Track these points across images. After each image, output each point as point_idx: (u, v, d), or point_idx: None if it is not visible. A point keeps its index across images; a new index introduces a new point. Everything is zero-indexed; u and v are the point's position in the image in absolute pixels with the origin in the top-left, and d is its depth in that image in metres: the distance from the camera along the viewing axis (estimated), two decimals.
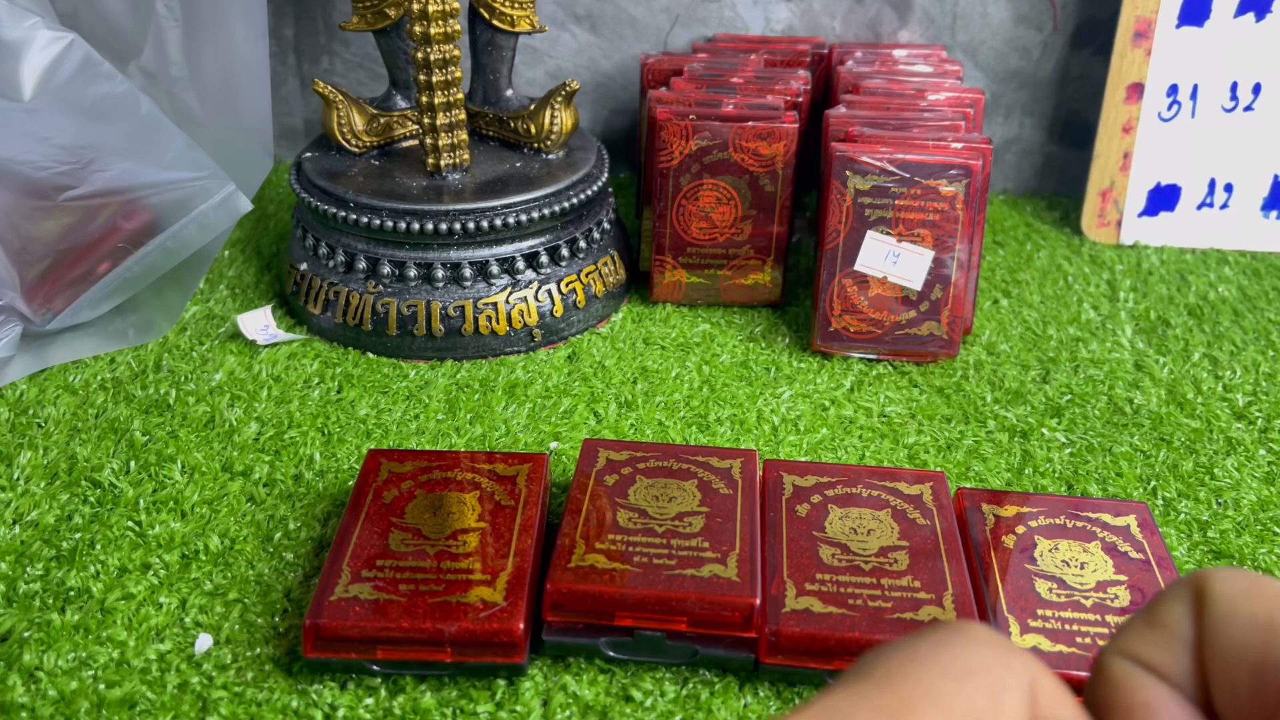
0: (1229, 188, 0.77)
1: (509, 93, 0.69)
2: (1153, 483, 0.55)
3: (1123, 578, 0.45)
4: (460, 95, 0.64)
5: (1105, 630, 0.42)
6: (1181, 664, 0.18)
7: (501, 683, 0.42)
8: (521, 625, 0.41)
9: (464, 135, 0.65)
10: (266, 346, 0.63)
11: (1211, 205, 0.78)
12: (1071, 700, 0.18)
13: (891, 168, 0.60)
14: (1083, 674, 0.40)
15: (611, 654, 0.43)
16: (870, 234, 0.61)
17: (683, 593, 0.42)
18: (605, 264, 0.67)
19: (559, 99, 0.65)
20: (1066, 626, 0.42)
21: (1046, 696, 0.18)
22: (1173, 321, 0.69)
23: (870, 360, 0.63)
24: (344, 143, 0.66)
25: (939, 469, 0.55)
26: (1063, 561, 0.45)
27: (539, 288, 0.63)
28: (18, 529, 0.49)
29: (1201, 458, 0.56)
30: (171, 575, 0.47)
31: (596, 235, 0.66)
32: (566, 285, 0.64)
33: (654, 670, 0.43)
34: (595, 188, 0.66)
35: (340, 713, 0.41)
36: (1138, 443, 0.57)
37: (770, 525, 0.46)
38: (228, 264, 0.72)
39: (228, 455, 0.54)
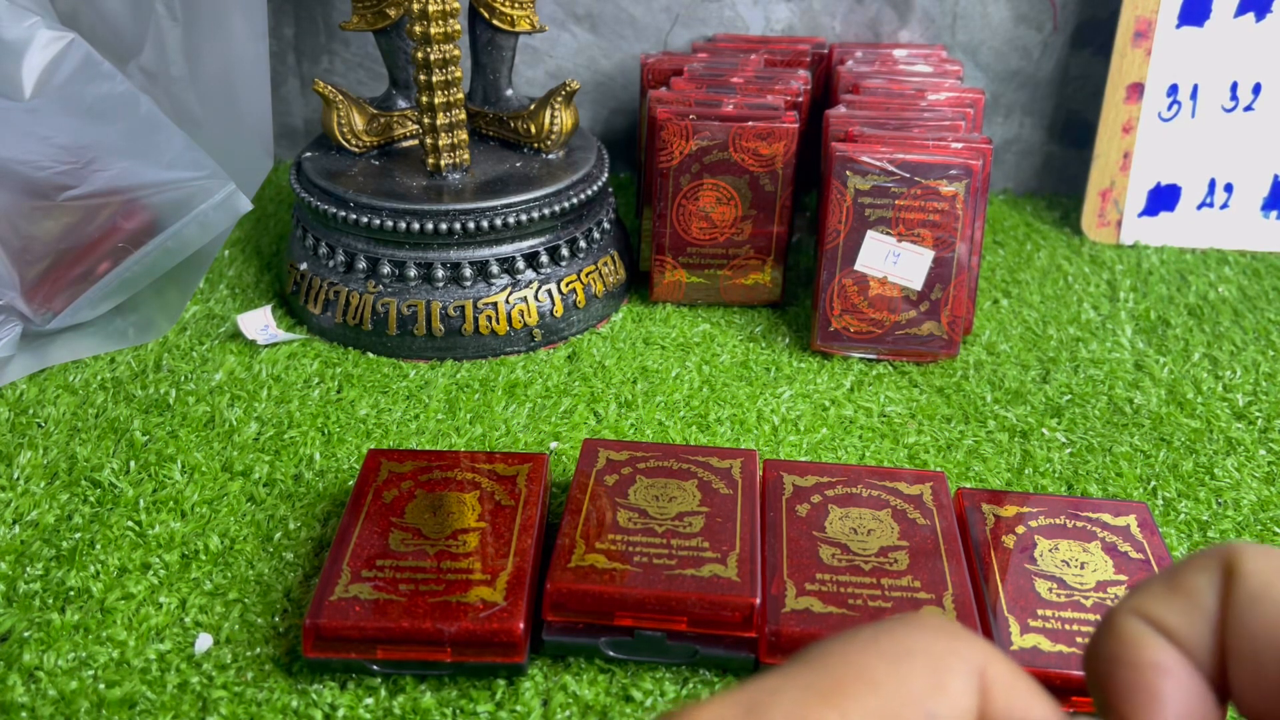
0: (1229, 188, 0.77)
1: (509, 93, 0.69)
2: (1153, 483, 0.55)
3: (1123, 578, 0.45)
4: (460, 95, 0.64)
5: None
6: (1199, 634, 0.18)
7: (501, 683, 0.42)
8: (521, 625, 0.41)
9: (464, 135, 0.65)
10: (266, 346, 0.63)
11: (1211, 205, 0.78)
12: (1029, 687, 0.17)
13: (891, 168, 0.60)
14: (1082, 674, 0.40)
15: (611, 654, 0.43)
16: (870, 234, 0.61)
17: (683, 593, 0.42)
18: (605, 264, 0.67)
19: (559, 99, 0.65)
20: (1066, 626, 0.42)
21: (1000, 683, 0.17)
22: (1173, 321, 0.69)
23: (870, 360, 0.63)
24: (344, 143, 0.66)
25: (939, 469, 0.55)
26: (1063, 561, 0.45)
27: (539, 288, 0.63)
28: (18, 529, 0.49)
29: (1201, 458, 0.56)
30: (171, 575, 0.47)
31: (596, 235, 0.66)
32: (566, 285, 0.64)
33: (654, 670, 0.43)
34: (595, 188, 0.66)
35: (340, 713, 0.41)
36: (1138, 443, 0.57)
37: (770, 525, 0.46)
38: (228, 264, 0.72)
39: (228, 455, 0.54)
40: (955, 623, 0.18)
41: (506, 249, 0.63)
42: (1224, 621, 0.18)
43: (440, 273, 0.62)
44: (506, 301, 0.63)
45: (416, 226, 0.61)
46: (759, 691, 0.16)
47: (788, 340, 0.66)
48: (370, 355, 0.63)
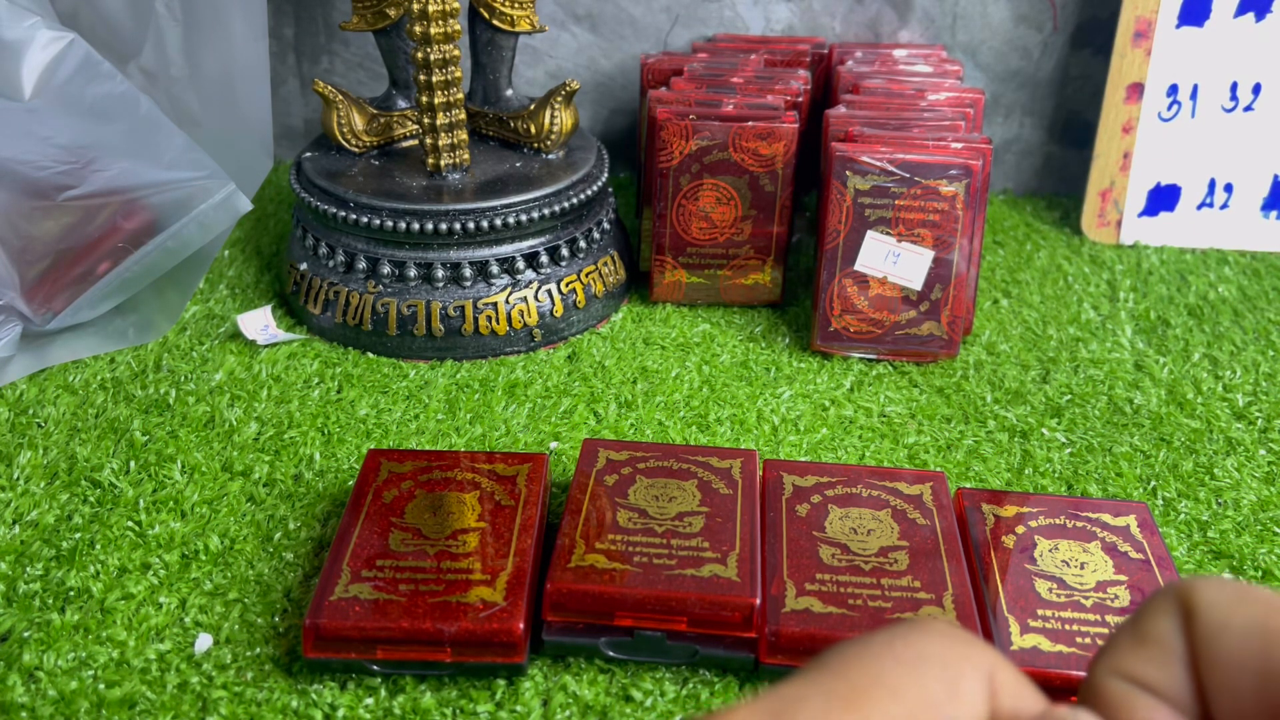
0: (1229, 188, 0.77)
1: (509, 93, 0.69)
2: (1153, 483, 0.55)
3: (1123, 578, 0.45)
4: (460, 95, 0.64)
5: (1105, 630, 0.42)
6: (1177, 679, 0.18)
7: (501, 683, 0.42)
8: (521, 625, 0.41)
9: (464, 135, 0.65)
10: (266, 346, 0.63)
11: (1211, 205, 0.78)
12: (1033, 692, 0.18)
13: (891, 168, 0.60)
14: (1082, 674, 0.40)
15: (611, 654, 0.43)
16: (870, 234, 0.61)
17: (683, 593, 0.42)
18: (605, 264, 0.67)
19: (559, 99, 0.65)
20: (1066, 626, 0.42)
21: (1007, 687, 0.17)
22: (1173, 321, 0.69)
23: (870, 360, 0.63)
24: (344, 143, 0.66)
25: (939, 469, 0.55)
26: (1063, 561, 0.45)
27: (539, 288, 0.63)
28: (18, 529, 0.49)
29: (1201, 458, 0.56)
30: (171, 575, 0.47)
31: (596, 235, 0.66)
32: (566, 285, 0.64)
33: (654, 670, 0.43)
34: (595, 188, 0.66)
35: (340, 713, 0.41)
36: (1138, 443, 0.57)
37: (770, 525, 0.46)
38: (228, 264, 0.72)
39: (228, 455, 0.54)
40: (961, 628, 0.18)
41: (506, 249, 0.63)
42: (1195, 660, 0.18)
43: (440, 273, 0.62)
44: (506, 301, 0.63)
45: (416, 226, 0.61)
46: (782, 700, 0.17)
47: (788, 340, 0.66)
48: (370, 355, 0.63)
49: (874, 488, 0.49)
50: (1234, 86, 0.75)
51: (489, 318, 0.62)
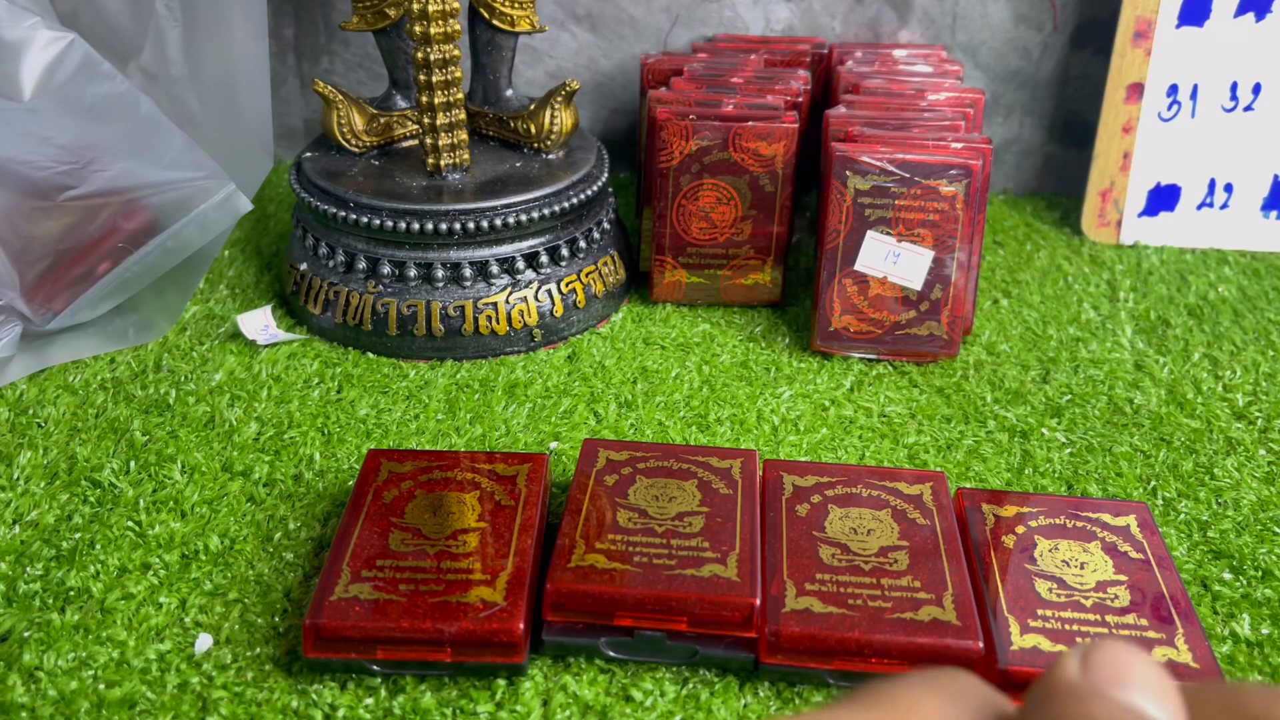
0: (1229, 188, 0.77)
1: (509, 93, 0.69)
2: (1153, 483, 0.55)
3: (1123, 578, 0.45)
4: (460, 95, 0.64)
5: (1105, 630, 0.42)
6: None
7: (501, 683, 0.42)
8: (521, 625, 0.41)
9: (464, 135, 0.65)
10: (266, 346, 0.63)
11: (1211, 205, 0.78)
12: None
13: (891, 168, 0.60)
14: None
15: (611, 654, 0.43)
16: (870, 234, 0.61)
17: (683, 592, 0.42)
18: (605, 264, 0.67)
19: (559, 99, 0.65)
20: (1066, 626, 0.42)
21: None
22: (1173, 321, 0.69)
23: (870, 360, 0.63)
24: (344, 143, 0.66)
25: (939, 469, 0.55)
26: (1063, 561, 0.45)
27: (539, 288, 0.63)
28: (18, 529, 0.49)
29: (1201, 458, 0.56)
30: (171, 575, 0.47)
31: (596, 235, 0.66)
32: (566, 285, 0.64)
33: (654, 670, 0.43)
34: (595, 188, 0.66)
35: (340, 713, 0.41)
36: (1138, 443, 0.57)
37: (770, 525, 0.46)
38: (228, 264, 0.72)
39: (228, 455, 0.54)
40: (985, 682, 0.19)
41: (506, 249, 0.63)
42: None
43: (440, 273, 0.62)
44: (506, 301, 0.63)
45: (416, 226, 0.61)
46: None
47: (788, 340, 0.66)
48: (370, 355, 0.63)
49: (874, 488, 0.49)
50: (1234, 86, 0.75)
51: (489, 318, 0.62)
